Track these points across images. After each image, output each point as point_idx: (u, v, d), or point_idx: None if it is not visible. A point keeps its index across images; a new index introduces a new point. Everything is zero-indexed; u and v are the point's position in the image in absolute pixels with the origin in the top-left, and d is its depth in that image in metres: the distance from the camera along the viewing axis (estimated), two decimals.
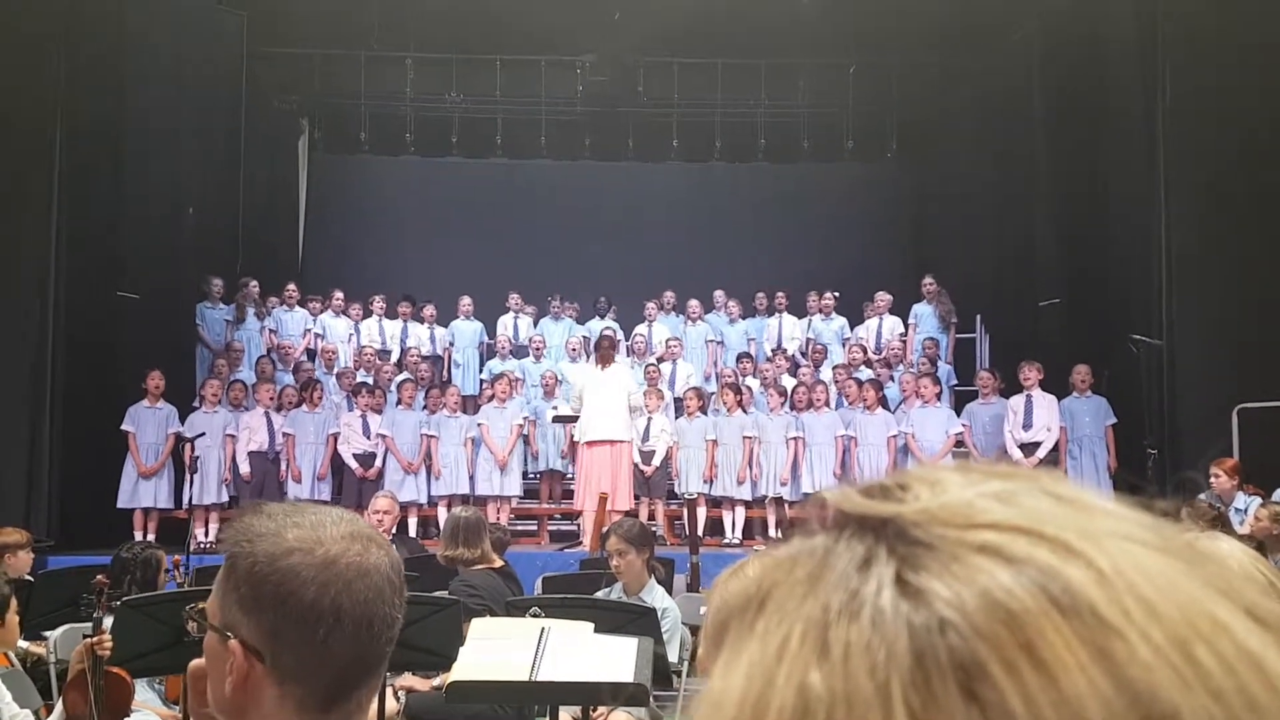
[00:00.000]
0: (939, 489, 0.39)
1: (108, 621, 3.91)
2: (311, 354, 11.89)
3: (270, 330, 11.96)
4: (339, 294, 12.33)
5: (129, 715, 3.83)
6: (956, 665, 0.33)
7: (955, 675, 0.33)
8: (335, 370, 11.31)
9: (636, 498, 10.19)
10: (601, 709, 4.57)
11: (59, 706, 3.57)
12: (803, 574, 0.38)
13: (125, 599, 4.01)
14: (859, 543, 0.38)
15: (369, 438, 10.25)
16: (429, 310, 12.53)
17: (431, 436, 10.29)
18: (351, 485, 10.06)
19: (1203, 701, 0.32)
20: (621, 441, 9.57)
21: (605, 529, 6.15)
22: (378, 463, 10.20)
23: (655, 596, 5.10)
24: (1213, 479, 7.28)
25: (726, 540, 10.06)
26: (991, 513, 0.37)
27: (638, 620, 4.33)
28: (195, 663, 1.28)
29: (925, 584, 0.35)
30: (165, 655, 3.84)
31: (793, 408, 10.31)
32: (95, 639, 3.67)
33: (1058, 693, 0.32)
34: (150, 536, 9.25)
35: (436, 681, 4.83)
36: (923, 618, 0.35)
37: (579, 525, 9.87)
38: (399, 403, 10.50)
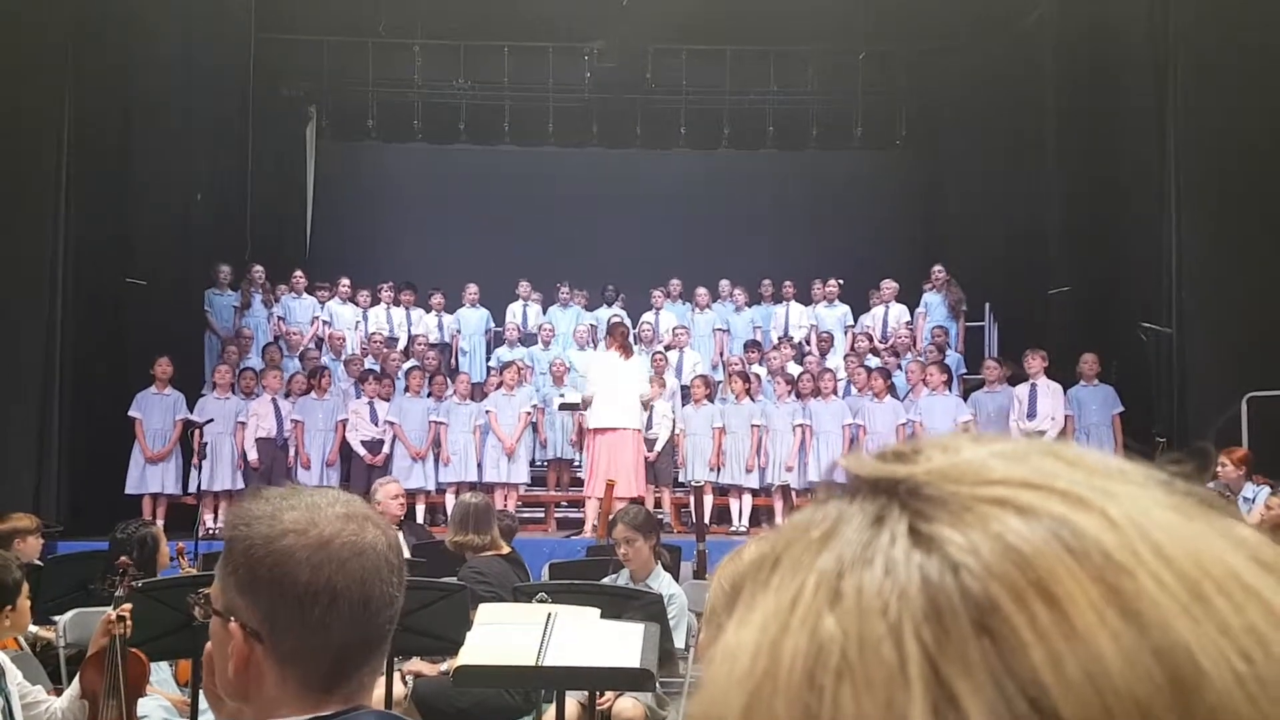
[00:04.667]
0: (951, 452, 0.40)
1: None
2: (319, 341, 11.91)
3: (278, 317, 11.98)
4: (346, 281, 12.34)
5: (143, 696, 3.86)
6: (970, 604, 0.34)
7: (968, 612, 0.34)
8: (343, 357, 11.34)
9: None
10: (607, 694, 4.58)
11: (75, 683, 3.59)
12: (817, 534, 0.39)
13: (130, 583, 4.03)
14: (871, 503, 0.39)
15: (376, 424, 10.28)
16: (437, 298, 12.54)
17: (440, 423, 10.32)
18: (360, 472, 10.09)
19: (1212, 636, 0.33)
20: (634, 429, 9.58)
21: (612, 516, 6.16)
22: (385, 449, 10.24)
23: (662, 583, 5.11)
24: (1220, 468, 7.25)
25: (734, 528, 10.07)
26: (1004, 470, 0.38)
27: (644, 606, 4.34)
28: (209, 646, 1.30)
29: (938, 532, 0.36)
30: (175, 639, 3.87)
31: (799, 396, 10.31)
32: (114, 618, 3.69)
33: (1070, 626, 0.33)
34: (159, 522, 9.28)
35: (444, 666, 4.85)
36: (935, 562, 0.36)
37: (585, 513, 9.87)
38: (406, 390, 10.53)
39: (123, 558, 4.34)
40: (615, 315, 11.98)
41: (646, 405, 9.75)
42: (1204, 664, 0.33)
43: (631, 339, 10.30)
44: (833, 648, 0.35)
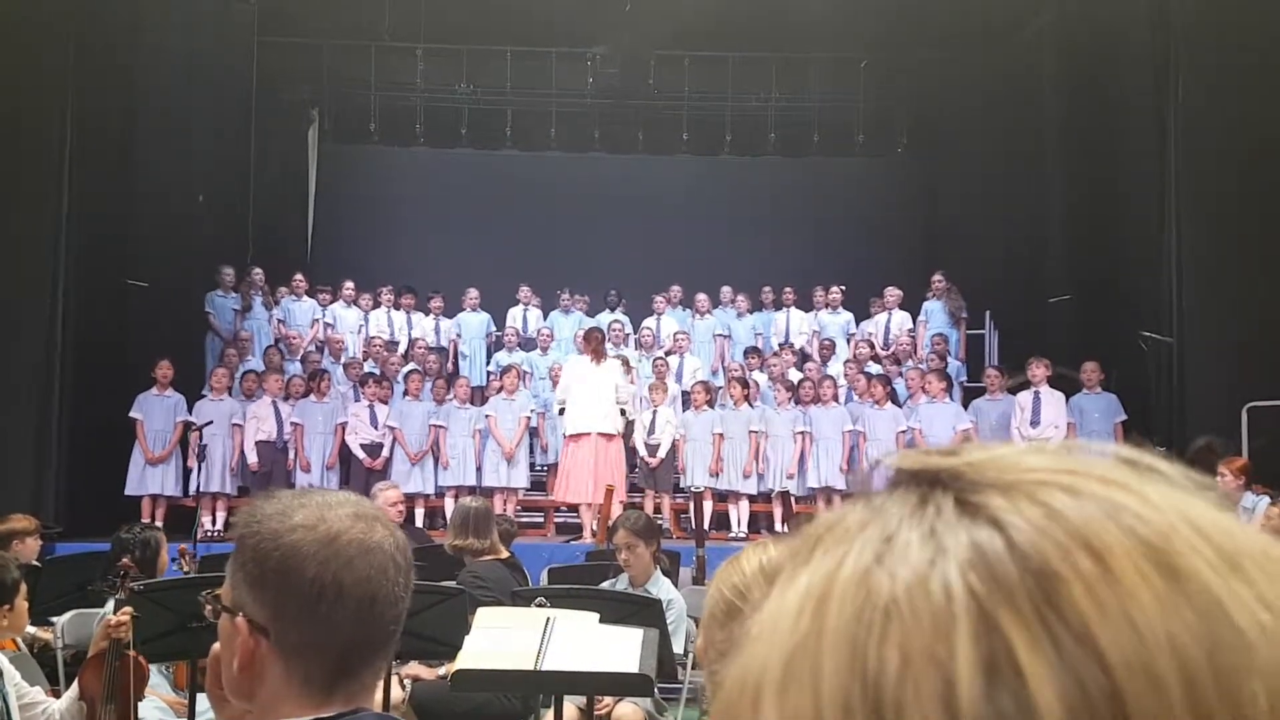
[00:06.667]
0: (989, 450, 0.41)
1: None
2: (320, 344, 11.90)
3: (279, 320, 11.98)
4: (349, 284, 12.34)
5: (142, 700, 3.85)
6: (1017, 555, 0.36)
7: (1016, 563, 0.36)
8: (342, 360, 11.34)
9: (641, 490, 10.21)
10: (606, 699, 4.57)
11: (74, 685, 3.59)
12: (859, 517, 0.40)
13: (130, 585, 4.02)
14: (914, 492, 0.40)
15: (376, 428, 10.28)
16: (436, 302, 12.54)
17: (440, 427, 10.32)
18: (359, 475, 10.09)
19: (1249, 604, 0.35)
20: (608, 435, 9.62)
21: (612, 522, 6.16)
22: (385, 453, 10.24)
23: (661, 588, 5.11)
24: (1219, 478, 7.24)
25: (732, 534, 10.06)
26: (1043, 461, 0.39)
27: (643, 611, 4.33)
28: (216, 646, 1.30)
29: (985, 501, 0.38)
30: (173, 641, 3.86)
31: (799, 402, 10.30)
32: (114, 622, 3.68)
33: (1114, 578, 0.35)
34: (158, 524, 9.28)
35: (442, 670, 4.84)
36: (983, 524, 0.37)
37: (581, 518, 9.86)
38: (406, 394, 10.53)
39: (124, 559, 4.34)
40: (615, 321, 12.01)
41: (622, 404, 9.79)
42: (1242, 625, 0.34)
43: (608, 345, 10.36)
44: (880, 592, 0.36)
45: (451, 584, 4.97)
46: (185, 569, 5.73)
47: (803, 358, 11.60)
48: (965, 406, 10.52)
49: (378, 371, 10.94)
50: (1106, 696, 0.33)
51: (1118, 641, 0.34)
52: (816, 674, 0.36)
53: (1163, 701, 0.33)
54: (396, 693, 4.77)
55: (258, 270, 12.01)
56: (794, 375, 10.87)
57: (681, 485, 10.24)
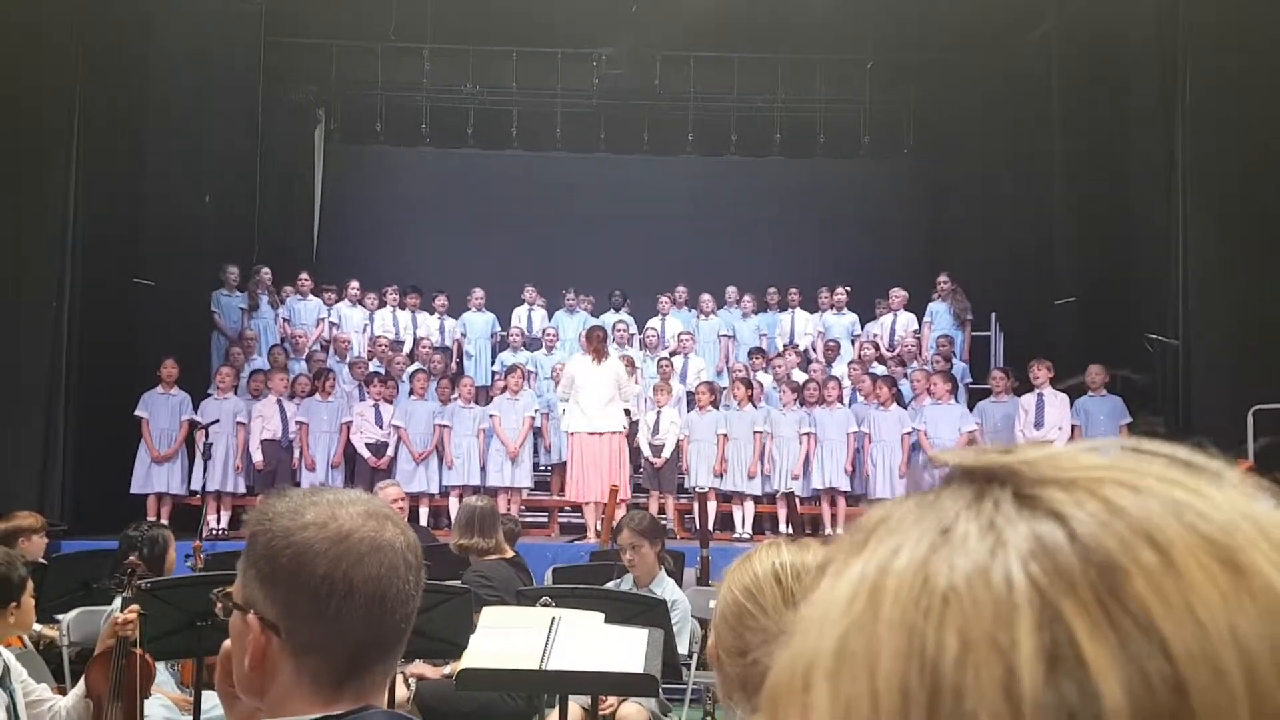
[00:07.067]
0: (1044, 448, 0.41)
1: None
2: (325, 343, 11.92)
3: (284, 319, 12.00)
4: (355, 284, 12.36)
5: (149, 698, 3.86)
6: (1078, 547, 0.36)
7: (1077, 553, 0.36)
8: (348, 360, 11.35)
9: (645, 491, 10.21)
10: (610, 699, 4.58)
11: (80, 683, 3.60)
12: (913, 507, 0.40)
13: (138, 583, 4.03)
14: (969, 487, 0.40)
15: (381, 427, 10.29)
16: (440, 301, 12.56)
17: (445, 426, 10.33)
18: (364, 474, 10.10)
19: None
20: (612, 433, 9.63)
21: (616, 522, 6.16)
22: (389, 452, 10.25)
23: (665, 588, 5.11)
24: None
25: (737, 535, 10.06)
26: (1099, 460, 0.40)
27: (648, 611, 4.34)
28: (226, 644, 1.31)
29: (1044, 494, 0.38)
30: (178, 639, 3.87)
31: (804, 403, 10.30)
32: (121, 620, 3.69)
33: (1176, 571, 0.35)
34: (164, 522, 9.29)
35: (447, 669, 4.85)
36: (1042, 517, 0.37)
37: (585, 518, 9.87)
38: (411, 393, 10.54)
39: (132, 557, 4.34)
40: (620, 322, 12.02)
41: (625, 395, 9.81)
42: None
43: (611, 345, 10.36)
44: (939, 580, 0.36)
45: (457, 583, 4.98)
46: (193, 566, 5.74)
47: (807, 359, 11.61)
48: (970, 408, 10.52)
49: (383, 371, 10.95)
50: (1170, 687, 0.33)
51: (1181, 633, 0.34)
52: (872, 658, 0.36)
53: (1226, 694, 0.33)
54: (401, 692, 4.77)
55: (264, 270, 12.04)
56: (799, 376, 10.86)
57: (686, 486, 10.24)
